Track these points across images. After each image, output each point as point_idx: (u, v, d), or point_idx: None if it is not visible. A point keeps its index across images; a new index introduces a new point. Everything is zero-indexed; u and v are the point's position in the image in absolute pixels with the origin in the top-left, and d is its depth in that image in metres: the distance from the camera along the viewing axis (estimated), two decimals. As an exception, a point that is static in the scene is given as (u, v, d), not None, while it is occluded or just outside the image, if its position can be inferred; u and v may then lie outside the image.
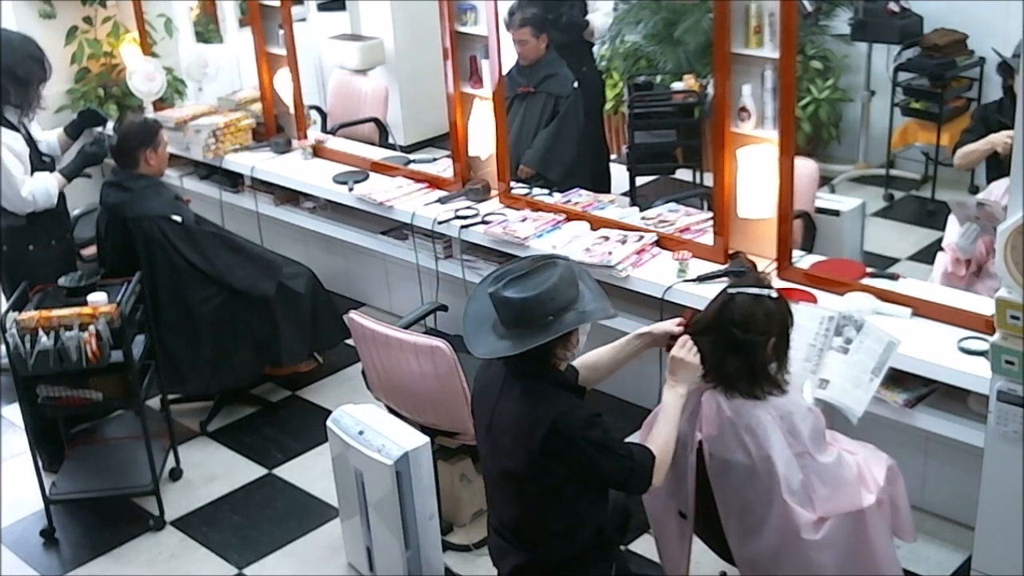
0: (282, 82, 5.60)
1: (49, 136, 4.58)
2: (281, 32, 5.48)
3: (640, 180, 6.04)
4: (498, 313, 2.73)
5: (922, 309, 3.61)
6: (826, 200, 4.56)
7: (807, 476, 2.81)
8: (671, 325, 2.94)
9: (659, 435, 2.83)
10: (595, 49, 6.25)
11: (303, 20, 6.88)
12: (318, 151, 5.49)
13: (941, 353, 3.41)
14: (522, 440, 2.73)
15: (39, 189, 4.27)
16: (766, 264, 3.93)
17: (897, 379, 3.45)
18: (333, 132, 5.98)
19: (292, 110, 5.61)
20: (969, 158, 4.43)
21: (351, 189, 5.05)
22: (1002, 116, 4.36)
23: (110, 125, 4.61)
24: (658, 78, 6.26)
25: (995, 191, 3.92)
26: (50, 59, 4.40)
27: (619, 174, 6.01)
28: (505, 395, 2.81)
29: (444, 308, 4.38)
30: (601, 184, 5.62)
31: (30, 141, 4.35)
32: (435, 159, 5.32)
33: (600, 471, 2.74)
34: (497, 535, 2.97)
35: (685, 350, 2.84)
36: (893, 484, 2.97)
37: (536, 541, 2.87)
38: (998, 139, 4.20)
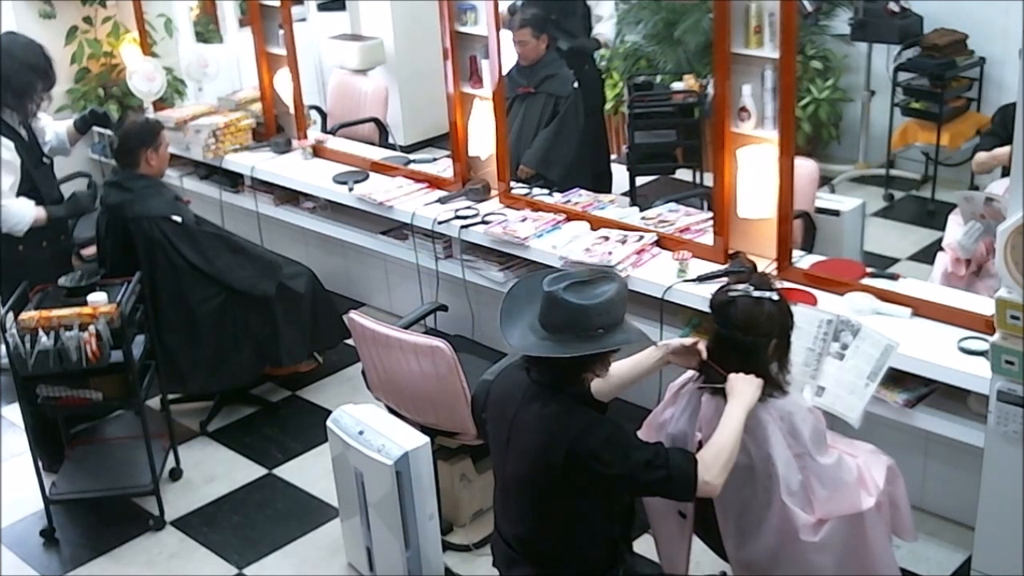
0: (282, 82, 5.60)
1: (59, 127, 4.57)
2: (281, 32, 5.48)
3: (640, 180, 6.06)
4: (548, 314, 2.66)
5: (922, 309, 3.61)
6: (826, 200, 4.56)
7: (807, 477, 2.81)
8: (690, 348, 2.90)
9: (716, 440, 2.74)
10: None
11: (303, 20, 6.88)
12: (318, 151, 5.49)
13: (941, 353, 3.41)
14: (544, 455, 2.68)
15: (13, 212, 4.21)
16: (766, 264, 3.93)
17: (897, 379, 3.45)
18: (333, 132, 5.97)
19: (292, 110, 5.61)
20: (986, 165, 4.41)
21: (351, 189, 5.05)
22: None
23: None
24: (658, 78, 6.27)
25: (996, 190, 3.92)
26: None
27: (619, 174, 6.02)
28: (525, 408, 2.75)
29: (444, 308, 4.38)
30: (601, 184, 5.62)
31: (30, 144, 4.34)
32: (435, 159, 5.32)
33: (637, 482, 2.68)
34: (506, 544, 2.92)
35: (745, 381, 2.78)
36: (893, 484, 2.97)
37: (549, 555, 2.83)
38: None
